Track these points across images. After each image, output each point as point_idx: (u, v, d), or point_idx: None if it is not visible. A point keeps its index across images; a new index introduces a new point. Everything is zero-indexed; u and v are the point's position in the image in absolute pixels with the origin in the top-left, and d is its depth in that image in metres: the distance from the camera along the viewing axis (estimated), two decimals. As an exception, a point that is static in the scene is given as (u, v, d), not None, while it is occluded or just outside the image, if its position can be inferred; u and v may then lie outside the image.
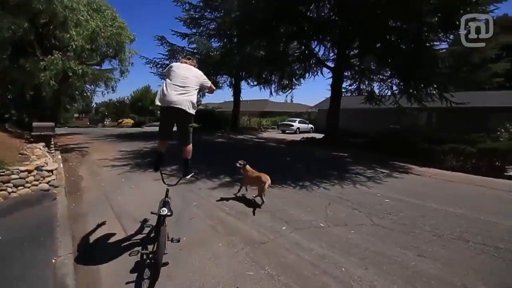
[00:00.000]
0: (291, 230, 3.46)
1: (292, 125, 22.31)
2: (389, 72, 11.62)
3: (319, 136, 14.33)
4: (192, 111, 2.92)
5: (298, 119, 24.08)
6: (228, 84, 21.35)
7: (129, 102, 38.20)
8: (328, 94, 22.69)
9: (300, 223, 3.67)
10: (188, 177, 3.36)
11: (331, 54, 12.68)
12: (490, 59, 9.56)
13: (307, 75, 13.61)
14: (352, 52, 11.33)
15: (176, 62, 3.22)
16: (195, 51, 16.70)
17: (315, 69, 13.42)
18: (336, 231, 3.48)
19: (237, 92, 19.65)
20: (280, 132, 22.90)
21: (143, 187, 5.25)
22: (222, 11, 17.51)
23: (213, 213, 4.01)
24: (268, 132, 23.69)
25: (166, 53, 17.41)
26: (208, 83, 3.26)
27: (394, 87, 12.60)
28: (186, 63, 3.15)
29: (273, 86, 18.13)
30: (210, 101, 29.37)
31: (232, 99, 20.76)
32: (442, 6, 8.44)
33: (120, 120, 32.95)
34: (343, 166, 7.83)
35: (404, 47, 9.91)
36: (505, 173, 7.00)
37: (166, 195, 2.98)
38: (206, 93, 10.89)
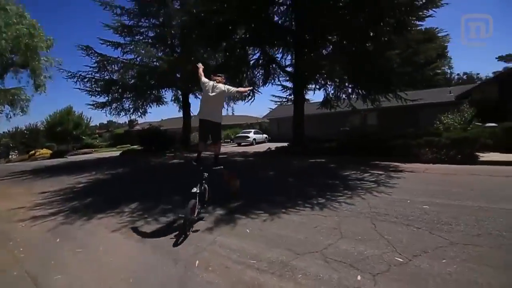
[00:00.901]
0: (371, 279, 2.30)
1: (248, 137, 21.42)
2: (347, 77, 11.83)
3: (279, 145, 13.68)
4: (219, 121, 4.10)
5: (252, 130, 23.37)
6: (172, 98, 19.30)
7: (44, 128, 31.27)
8: (272, 104, 22.93)
9: (371, 264, 2.54)
10: (217, 168, 4.29)
11: (289, 59, 12.41)
12: (431, 60, 10.51)
13: (268, 81, 12.92)
14: (312, 56, 11.14)
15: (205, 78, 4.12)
16: (133, 61, 14.36)
17: (274, 75, 12.90)
18: (425, 265, 2.47)
19: (186, 107, 17.75)
20: (236, 145, 21.72)
21: (97, 247, 3.34)
22: (161, 18, 15.80)
23: (235, 273, 2.55)
24: (223, 146, 22.20)
25: (95, 65, 14.51)
26: (233, 91, 4.11)
27: (350, 90, 12.99)
28: (215, 80, 4.06)
29: (226, 98, 17.02)
30: (147, 119, 26.09)
31: (174, 115, 18.84)
32: (396, 10, 8.83)
33: (33, 152, 26.42)
34: (335, 174, 7.13)
35: (361, 51, 10.09)
36: (478, 159, 7.38)
37: (203, 180, 3.91)
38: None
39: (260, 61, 11.92)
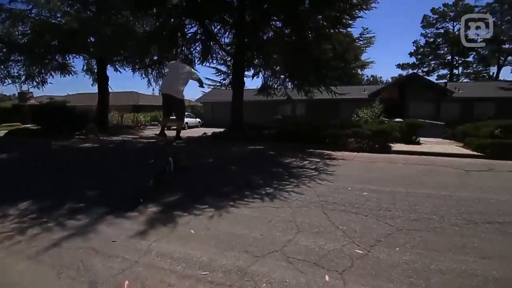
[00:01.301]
0: (339, 278, 2.13)
1: (180, 120, 19.74)
2: (284, 65, 11.96)
3: (215, 130, 13.06)
4: (181, 97, 4.52)
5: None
6: (84, 68, 15.86)
7: None
8: (205, 88, 21.77)
9: (334, 260, 2.37)
10: (179, 141, 5.29)
11: (226, 42, 11.67)
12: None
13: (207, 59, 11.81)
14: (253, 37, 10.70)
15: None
16: (25, 13, 10.83)
17: (212, 54, 11.90)
18: (383, 255, 2.46)
19: (103, 80, 14.82)
20: (166, 129, 19.76)
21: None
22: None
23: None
24: (150, 129, 19.86)
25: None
26: (196, 76, 4.76)
27: (284, 79, 13.29)
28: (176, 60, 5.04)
29: (154, 72, 15.03)
30: (47, 93, 20.61)
31: (87, 90, 15.64)
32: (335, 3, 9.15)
33: None
34: (277, 161, 7.06)
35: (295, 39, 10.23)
36: (391, 149, 8.57)
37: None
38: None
39: (198, 36, 10.77)
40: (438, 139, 12.07)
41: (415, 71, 37.27)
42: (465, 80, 35.84)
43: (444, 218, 3.30)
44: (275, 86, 13.91)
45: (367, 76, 47.11)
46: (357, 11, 10.12)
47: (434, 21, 36.51)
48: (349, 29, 11.00)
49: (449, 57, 36.95)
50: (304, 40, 10.07)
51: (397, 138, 9.81)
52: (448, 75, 37.74)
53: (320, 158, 7.33)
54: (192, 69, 4.55)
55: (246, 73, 13.95)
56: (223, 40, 11.79)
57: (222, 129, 12.66)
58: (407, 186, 4.64)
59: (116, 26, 9.83)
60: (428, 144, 10.08)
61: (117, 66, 15.62)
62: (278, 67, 12.49)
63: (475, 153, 8.02)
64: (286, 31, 10.50)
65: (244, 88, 13.15)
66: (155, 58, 12.24)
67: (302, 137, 9.55)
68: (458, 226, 3.08)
